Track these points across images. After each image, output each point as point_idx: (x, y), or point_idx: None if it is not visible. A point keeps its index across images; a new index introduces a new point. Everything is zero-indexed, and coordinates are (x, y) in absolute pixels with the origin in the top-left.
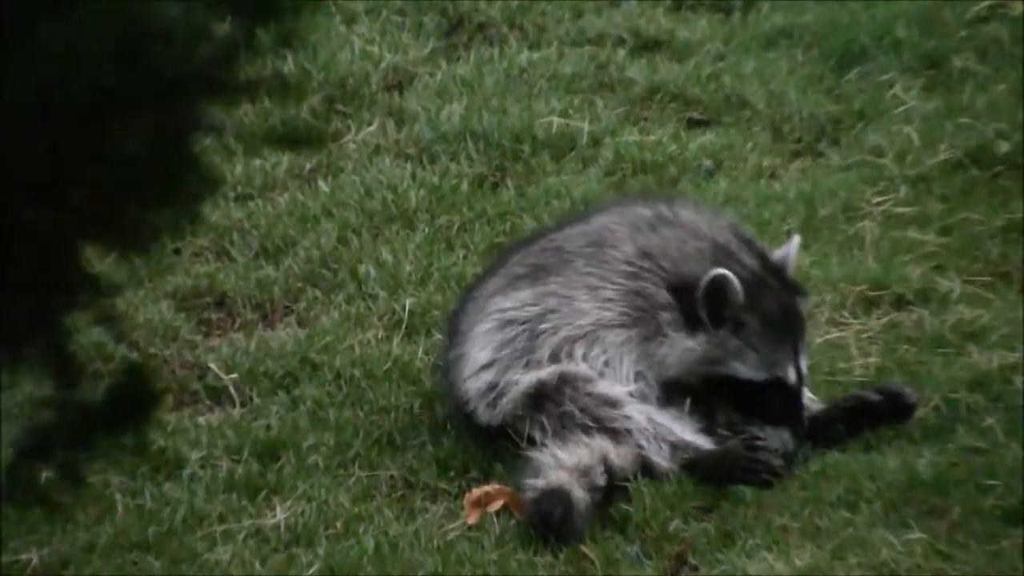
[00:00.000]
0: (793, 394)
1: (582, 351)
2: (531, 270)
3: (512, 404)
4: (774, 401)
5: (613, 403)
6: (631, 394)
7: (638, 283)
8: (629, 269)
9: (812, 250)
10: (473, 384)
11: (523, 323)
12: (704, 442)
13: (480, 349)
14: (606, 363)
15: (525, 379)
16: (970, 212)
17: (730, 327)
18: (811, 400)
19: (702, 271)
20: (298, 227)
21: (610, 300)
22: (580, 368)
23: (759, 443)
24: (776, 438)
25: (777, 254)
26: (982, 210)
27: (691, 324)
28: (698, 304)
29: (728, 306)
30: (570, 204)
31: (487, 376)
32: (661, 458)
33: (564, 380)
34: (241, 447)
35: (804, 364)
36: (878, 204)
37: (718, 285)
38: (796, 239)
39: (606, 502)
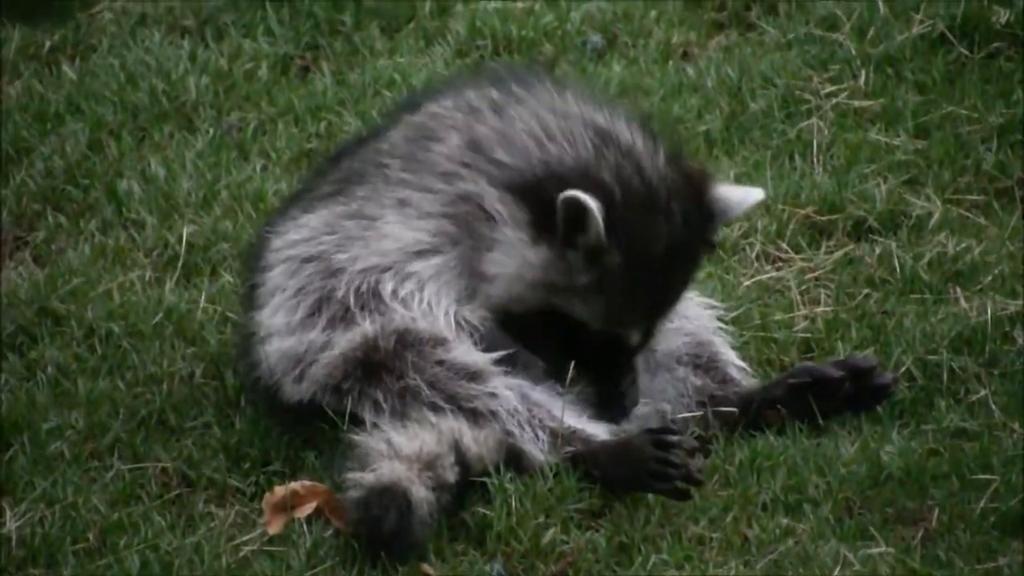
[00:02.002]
0: (626, 355)
1: (390, 287)
2: (337, 186)
3: (327, 372)
4: (599, 352)
5: (474, 375)
6: (497, 363)
7: (459, 185)
8: (449, 168)
9: (739, 158)
10: (272, 356)
11: (315, 260)
12: (596, 429)
13: (273, 306)
14: (421, 303)
15: (341, 339)
16: (955, 106)
17: (584, 254)
18: (739, 370)
19: (571, 158)
20: (35, 128)
21: (426, 215)
22: (423, 325)
23: (673, 438)
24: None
25: (722, 192)
26: (972, 103)
27: (537, 227)
28: (556, 211)
29: (584, 235)
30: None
31: (287, 345)
32: (536, 449)
33: (404, 343)
34: None
35: (660, 326)
36: (829, 95)
37: (572, 211)
38: (758, 193)
39: (457, 504)
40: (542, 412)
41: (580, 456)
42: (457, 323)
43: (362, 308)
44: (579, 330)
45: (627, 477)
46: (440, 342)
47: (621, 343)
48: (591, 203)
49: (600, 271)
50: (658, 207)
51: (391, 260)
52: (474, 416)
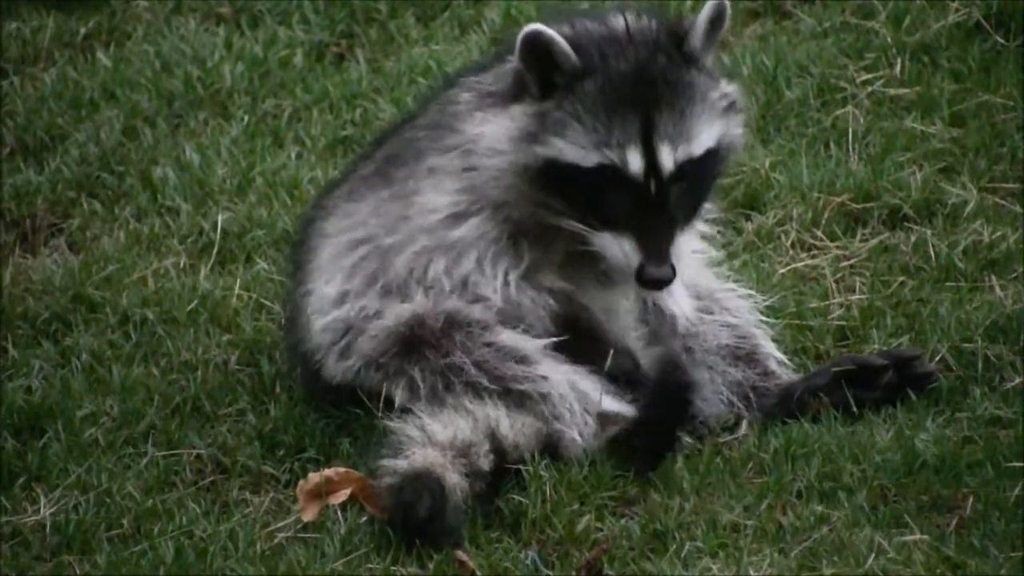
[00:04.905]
0: (638, 190)
1: (443, 265)
2: (379, 167)
3: (372, 346)
4: (610, 197)
5: (523, 358)
6: (545, 348)
7: (456, 125)
8: (456, 117)
9: (774, 147)
10: (321, 326)
11: (366, 243)
12: (628, 409)
13: (327, 282)
14: (480, 273)
15: (391, 311)
16: (991, 94)
17: (561, 97)
18: (779, 363)
19: None
20: (69, 115)
21: (450, 175)
22: (474, 309)
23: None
24: (615, 247)
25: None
26: (1007, 91)
27: (509, 97)
28: (522, 68)
29: (558, 70)
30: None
31: (338, 314)
32: (581, 435)
33: (452, 323)
34: None
35: (666, 152)
36: (865, 84)
37: (535, 43)
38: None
39: (492, 491)
40: (588, 396)
41: (618, 438)
42: (518, 290)
43: (416, 284)
44: (579, 185)
45: (660, 435)
46: (488, 326)
47: (627, 178)
48: (550, 30)
49: (573, 102)
50: (615, 42)
51: (437, 238)
52: (521, 399)
